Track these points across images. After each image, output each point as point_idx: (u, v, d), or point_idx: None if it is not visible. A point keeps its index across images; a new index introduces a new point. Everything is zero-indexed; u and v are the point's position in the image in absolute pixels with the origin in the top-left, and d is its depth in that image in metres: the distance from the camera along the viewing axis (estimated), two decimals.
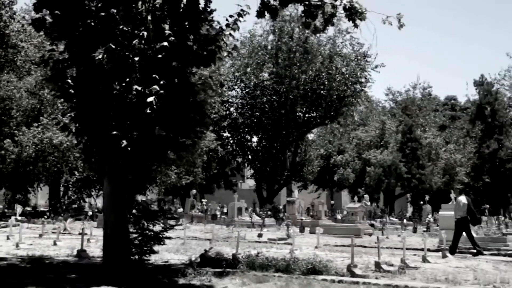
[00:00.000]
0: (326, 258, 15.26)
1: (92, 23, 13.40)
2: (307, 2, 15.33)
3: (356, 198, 34.68)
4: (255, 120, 51.60)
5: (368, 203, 37.60)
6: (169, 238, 15.10)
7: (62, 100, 14.61)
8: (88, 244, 20.30)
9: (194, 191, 42.21)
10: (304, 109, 51.96)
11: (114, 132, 12.73)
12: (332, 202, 58.45)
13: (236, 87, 52.46)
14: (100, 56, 12.26)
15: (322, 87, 49.95)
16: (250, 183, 65.40)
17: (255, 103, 51.24)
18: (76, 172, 37.88)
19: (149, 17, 14.05)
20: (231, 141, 53.41)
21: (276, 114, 50.32)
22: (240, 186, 61.97)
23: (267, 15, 15.89)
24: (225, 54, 15.04)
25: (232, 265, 14.01)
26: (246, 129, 53.01)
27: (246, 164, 54.77)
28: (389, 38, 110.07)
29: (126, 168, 13.68)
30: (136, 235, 14.28)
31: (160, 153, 14.02)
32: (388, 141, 55.99)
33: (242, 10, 14.49)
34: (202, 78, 14.35)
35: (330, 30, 49.39)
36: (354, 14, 14.89)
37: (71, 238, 23.31)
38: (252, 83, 50.71)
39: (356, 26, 15.04)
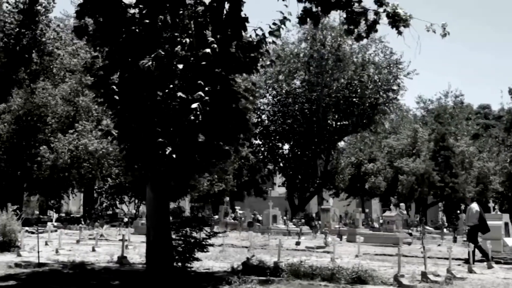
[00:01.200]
0: (368, 267, 15.05)
1: (137, 30, 13.42)
2: (349, 9, 15.22)
3: (392, 207, 34.31)
4: (286, 127, 51.48)
5: (404, 212, 37.21)
6: (212, 245, 15.05)
7: (105, 106, 14.57)
8: (126, 251, 20.27)
9: (227, 198, 42.17)
10: (336, 116, 51.71)
11: (160, 139, 12.71)
12: (367, 210, 58.03)
13: (267, 94, 52.41)
14: (149, 63, 12.23)
15: (354, 95, 49.72)
16: (279, 190, 65.19)
17: (287, 111, 51.15)
18: (109, 179, 38.07)
19: (192, 24, 14.06)
20: (262, 149, 53.33)
21: (308, 122, 50.16)
22: (270, 194, 61.82)
23: (309, 22, 15.87)
24: (268, 61, 15.03)
25: (276, 274, 13.87)
26: (278, 137, 52.89)
27: (277, 172, 54.61)
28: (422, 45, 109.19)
29: (168, 175, 13.65)
30: (179, 242, 14.23)
31: (203, 160, 13.97)
32: (421, 149, 55.41)
33: (284, 17, 14.45)
34: (246, 85, 14.33)
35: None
36: (397, 21, 14.75)
37: (108, 244, 23.35)
38: (284, 91, 50.65)
39: (400, 33, 14.89)
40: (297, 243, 24.06)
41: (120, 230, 29.04)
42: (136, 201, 44.20)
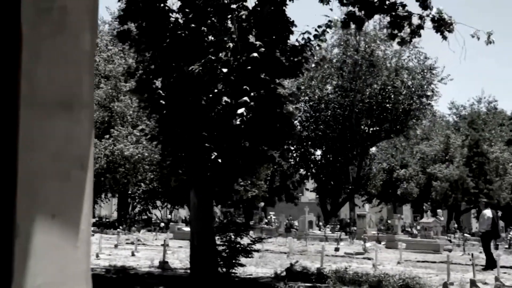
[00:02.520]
0: (412, 274, 14.82)
1: (183, 34, 13.41)
2: (393, 13, 15.06)
3: (428, 213, 33.99)
4: (319, 133, 51.27)
5: (442, 218, 36.85)
6: (257, 251, 14.96)
7: (149, 111, 14.59)
8: (166, 256, 20.31)
9: (262, 204, 42.10)
10: (369, 122, 51.39)
11: (206, 144, 12.68)
12: (402, 216, 57.60)
13: (295, 100, 52.21)
14: (199, 68, 12.19)
15: (387, 101, 49.35)
16: (309, 196, 64.97)
17: (319, 116, 50.96)
18: (142, 184, 38.17)
19: (235, 29, 14.01)
20: (295, 154, 53.15)
21: (340, 128, 49.92)
22: (300, 199, 61.64)
23: (352, 26, 15.74)
24: (313, 65, 14.94)
25: (320, 280, 13.75)
26: (310, 142, 52.69)
27: (310, 178, 54.40)
28: (453, 50, 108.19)
29: (213, 180, 13.59)
30: (223, 247, 14.16)
31: (248, 165, 13.91)
32: (454, 156, 54.90)
33: (329, 21, 14.36)
34: (293, 89, 14.25)
35: (396, 44, 48.76)
36: (442, 25, 14.57)
37: (146, 249, 23.39)
38: (316, 96, 50.45)
39: (444, 38, 14.70)
40: (336, 249, 23.90)
41: (156, 235, 29.14)
42: (169, 206, 44.31)
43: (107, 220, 42.25)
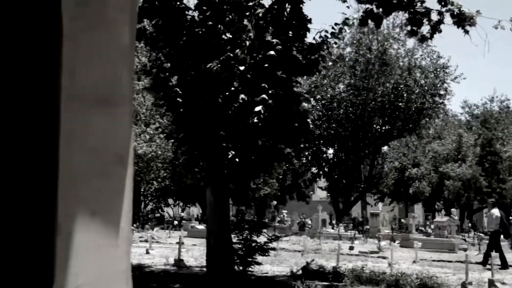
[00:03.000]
0: (428, 274, 14.71)
1: (200, 32, 13.36)
2: (412, 10, 14.96)
3: (441, 212, 33.85)
4: (331, 132, 51.12)
5: (456, 218, 36.64)
6: (274, 249, 14.90)
7: (164, 108, 14.57)
8: (180, 253, 20.31)
9: (274, 202, 42.05)
10: (381, 121, 51.20)
11: (223, 143, 12.64)
12: (416, 215, 57.41)
13: (312, 98, 52.09)
14: (218, 66, 12.15)
15: (400, 99, 49.13)
16: (320, 194, 64.87)
17: (331, 115, 50.79)
18: (154, 182, 38.18)
19: (252, 27, 13.95)
20: (307, 153, 53.01)
21: (352, 126, 49.74)
22: (311, 198, 61.55)
23: (370, 24, 15.66)
24: (330, 63, 14.87)
25: (337, 279, 13.68)
26: (322, 141, 52.53)
27: (322, 176, 54.28)
28: (465, 49, 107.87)
29: (230, 178, 13.55)
30: (239, 246, 14.11)
31: (265, 163, 13.86)
32: (466, 155, 54.70)
33: (347, 18, 14.30)
34: (310, 87, 14.19)
35: (410, 42, 48.65)
36: (463, 20, 14.45)
37: (160, 246, 23.34)
38: (328, 95, 50.28)
39: (466, 32, 14.58)
40: (351, 248, 23.81)
41: (170, 233, 29.15)
42: (181, 204, 44.33)
43: None
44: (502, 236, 20.86)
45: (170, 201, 45.10)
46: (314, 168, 54.00)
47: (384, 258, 20.47)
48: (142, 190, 42.14)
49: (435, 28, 14.91)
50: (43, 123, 2.74)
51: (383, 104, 48.75)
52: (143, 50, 41.87)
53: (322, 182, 57.86)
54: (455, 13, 14.38)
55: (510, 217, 37.86)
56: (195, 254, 20.15)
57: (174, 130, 14.72)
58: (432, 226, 33.18)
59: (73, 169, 2.41)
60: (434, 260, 20.39)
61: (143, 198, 43.32)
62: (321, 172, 53.95)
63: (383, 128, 51.72)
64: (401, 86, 48.94)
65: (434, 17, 15.00)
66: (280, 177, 45.83)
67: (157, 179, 36.73)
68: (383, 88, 48.40)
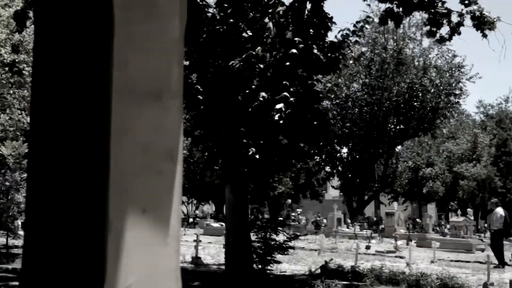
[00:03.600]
0: (448, 274, 14.61)
1: (220, 30, 13.35)
2: (432, 10, 14.88)
3: (459, 212, 33.76)
4: (346, 131, 50.96)
5: (472, 218, 36.50)
6: (292, 248, 14.86)
7: (184, 105, 14.53)
8: (195, 251, 20.30)
9: (289, 201, 42.02)
10: (396, 120, 51.00)
11: (244, 140, 12.61)
12: (432, 215, 57.27)
13: (332, 96, 51.90)
14: (241, 64, 12.12)
15: (415, 99, 48.92)
16: (333, 193, 64.74)
17: (346, 114, 50.64)
18: None
19: (273, 25, 13.92)
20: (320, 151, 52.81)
21: (367, 126, 49.58)
22: (324, 197, 61.48)
23: (390, 23, 15.61)
24: (351, 61, 14.81)
25: (357, 278, 13.61)
26: (336, 140, 52.37)
27: (335, 175, 54.15)
28: (480, 48, 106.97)
29: (250, 176, 13.52)
30: (258, 244, 14.08)
31: (285, 161, 13.83)
32: (481, 155, 54.47)
33: (368, 16, 14.25)
34: (331, 85, 14.15)
35: (425, 42, 48.49)
36: (483, 24, 14.37)
37: None
38: (343, 94, 50.13)
39: (485, 36, 14.52)
40: (367, 247, 23.72)
41: (185, 231, 29.13)
42: (195, 202, 44.41)
43: None
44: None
45: (184, 198, 45.11)
46: (328, 167, 53.87)
47: (401, 257, 20.39)
48: None
49: (455, 29, 14.85)
50: (95, 117, 2.71)
51: (398, 103, 48.56)
52: None
53: (335, 181, 57.77)
54: (476, 16, 14.30)
55: None
56: (211, 251, 20.16)
57: (192, 127, 14.70)
58: (448, 226, 33.03)
59: (124, 165, 2.38)
60: (452, 260, 20.27)
61: None
62: (334, 171, 53.80)
63: (398, 127, 51.51)
64: (416, 85, 48.73)
65: (454, 18, 14.95)
66: (294, 175, 45.81)
67: None
68: (398, 87, 48.23)
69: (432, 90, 48.64)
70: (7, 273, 15.81)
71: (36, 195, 2.89)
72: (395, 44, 46.83)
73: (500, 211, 19.89)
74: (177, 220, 2.48)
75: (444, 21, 14.96)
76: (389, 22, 15.19)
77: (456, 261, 20.15)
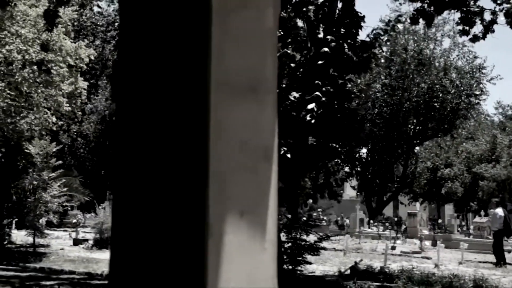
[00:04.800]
0: (479, 276, 14.45)
1: None
2: (464, 9, 14.75)
3: (482, 213, 33.39)
4: (366, 131, 50.77)
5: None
6: (324, 248, 14.77)
7: None
8: None
9: (310, 201, 41.91)
10: (415, 121, 50.77)
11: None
12: (459, 215, 56.99)
13: (363, 95, 51.71)
14: None
15: (435, 100, 48.69)
16: (350, 194, 64.51)
17: (365, 114, 50.45)
18: None
19: (304, 24, 13.86)
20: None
21: (387, 126, 49.38)
22: (342, 197, 61.30)
23: (421, 22, 15.49)
24: (383, 60, 14.72)
25: (388, 279, 13.51)
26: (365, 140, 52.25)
27: (354, 175, 54.00)
28: (499, 49, 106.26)
29: (280, 176, 13.44)
30: (289, 245, 13.99)
31: (316, 161, 13.77)
32: (501, 156, 54.17)
33: (399, 15, 14.15)
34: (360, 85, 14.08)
35: (446, 43, 48.30)
36: None
37: None
38: (363, 94, 49.92)
39: None
40: (393, 248, 23.56)
41: None
42: None
43: None
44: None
45: None
46: (347, 167, 53.69)
47: (427, 258, 20.25)
48: None
49: (488, 28, 14.71)
50: (193, 113, 2.61)
51: (418, 104, 48.35)
52: None
53: (353, 181, 57.61)
54: (510, 12, 14.16)
55: None
56: None
57: None
58: (472, 227, 32.80)
59: (223, 164, 2.27)
60: (480, 262, 20.08)
61: None
62: (354, 171, 53.63)
63: (417, 128, 51.29)
64: (437, 86, 48.50)
65: (487, 16, 14.81)
66: (313, 175, 45.71)
67: None
68: (418, 88, 48.03)
69: (452, 91, 48.41)
70: (36, 272, 15.88)
71: (127, 200, 2.74)
72: (415, 44, 46.62)
73: (499, 211, 20.38)
74: (273, 224, 2.36)
75: (477, 20, 14.83)
76: (421, 21, 15.08)
77: (484, 262, 19.96)
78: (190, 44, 2.66)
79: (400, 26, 14.16)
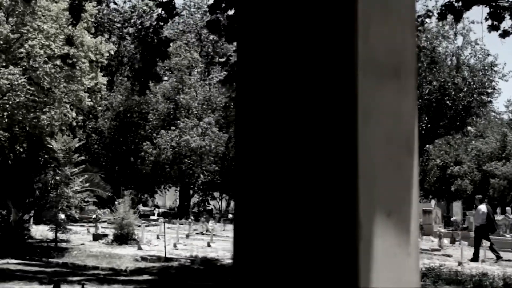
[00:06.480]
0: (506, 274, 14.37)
1: None
2: (493, 4, 14.63)
3: (498, 211, 33.41)
4: None
5: (511, 216, 36.08)
6: None
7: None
8: None
9: None
10: (427, 119, 50.68)
11: None
12: (473, 212, 56.88)
13: None
14: None
15: (447, 98, 48.61)
16: None
17: None
18: (201, 175, 38.10)
19: None
20: None
21: None
22: None
23: (449, 18, 15.41)
24: None
25: None
26: None
27: None
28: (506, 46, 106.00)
29: None
30: None
31: None
32: (510, 153, 54.25)
33: (429, 10, 14.07)
34: None
35: (459, 41, 48.19)
36: None
37: (218, 239, 23.24)
38: None
39: None
40: None
41: (224, 226, 29.07)
42: (227, 197, 44.52)
43: (171, 210, 42.52)
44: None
45: (216, 194, 45.14)
46: None
47: (448, 256, 20.17)
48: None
49: None
50: (341, 99, 2.33)
51: (430, 102, 48.28)
52: (194, 45, 42.13)
53: None
54: None
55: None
56: None
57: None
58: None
59: (370, 157, 2.08)
60: (502, 260, 19.92)
61: (192, 192, 43.46)
62: None
63: (429, 125, 51.23)
64: (449, 84, 48.41)
65: None
66: None
67: (206, 172, 36.72)
68: (430, 86, 47.97)
69: (464, 89, 48.33)
70: (60, 268, 15.87)
71: (264, 200, 2.40)
72: (428, 42, 46.52)
73: (483, 207, 20.56)
74: (415, 225, 2.08)
75: (506, 15, 14.72)
76: (449, 16, 15.00)
77: (506, 260, 19.83)
78: (335, 18, 2.37)
79: (428, 21, 13.98)
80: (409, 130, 2.21)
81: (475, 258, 19.26)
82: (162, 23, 14.71)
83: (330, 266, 2.18)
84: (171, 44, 16.73)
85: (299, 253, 2.28)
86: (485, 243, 20.04)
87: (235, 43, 14.64)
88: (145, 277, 14.47)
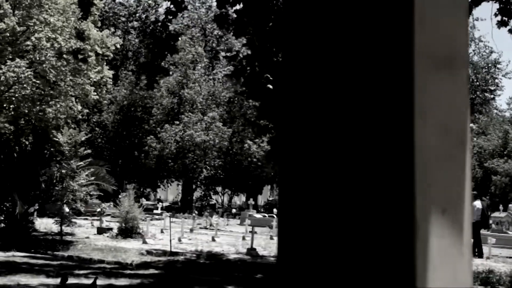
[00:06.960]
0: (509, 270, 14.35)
1: None
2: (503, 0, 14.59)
3: (501, 208, 33.37)
4: None
5: None
6: None
7: (245, 95, 14.43)
8: (244, 242, 20.28)
9: None
10: None
11: None
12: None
13: None
14: None
15: None
16: None
17: None
18: (204, 170, 38.17)
19: None
20: None
21: None
22: None
23: None
24: None
25: None
26: None
27: None
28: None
29: None
30: None
31: None
32: None
33: None
34: None
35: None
36: None
37: (222, 234, 23.24)
38: None
39: None
40: None
41: (227, 221, 29.11)
42: (230, 192, 44.56)
43: (174, 204, 42.54)
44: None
45: (218, 189, 45.15)
46: None
47: None
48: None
49: None
50: (398, 89, 2.28)
51: None
52: (198, 40, 42.07)
53: None
54: None
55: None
56: (261, 243, 20.05)
57: (256, 117, 14.59)
58: (490, 221, 32.68)
59: (426, 153, 2.03)
60: (507, 257, 19.90)
61: (195, 186, 43.51)
62: None
63: None
64: None
65: None
66: None
67: (209, 166, 36.78)
68: None
69: (468, 86, 48.50)
70: (66, 261, 15.89)
71: (311, 195, 2.37)
72: None
73: (477, 203, 20.43)
74: (468, 224, 2.02)
75: None
76: None
77: (509, 257, 19.81)
78: (393, 6, 2.31)
79: None
80: (463, 121, 2.16)
81: (479, 255, 19.29)
82: (171, 17, 14.68)
83: (387, 267, 2.16)
84: (179, 38, 16.69)
85: (355, 255, 2.26)
86: (489, 240, 20.05)
87: (240, 38, 14.60)
88: (151, 271, 14.50)
